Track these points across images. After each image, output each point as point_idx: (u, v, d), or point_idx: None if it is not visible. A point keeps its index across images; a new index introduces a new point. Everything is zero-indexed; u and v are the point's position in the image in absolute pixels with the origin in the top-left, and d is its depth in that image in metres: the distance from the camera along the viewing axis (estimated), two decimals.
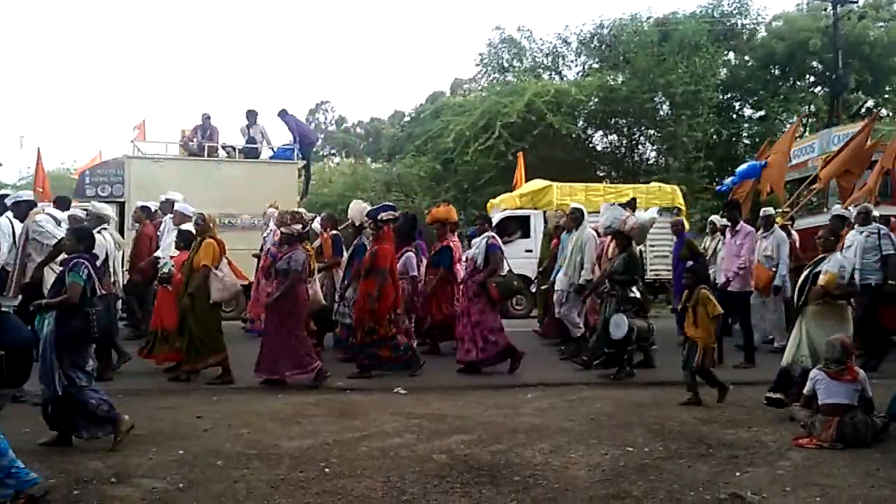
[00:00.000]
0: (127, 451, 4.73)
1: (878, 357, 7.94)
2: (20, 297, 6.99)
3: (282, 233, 7.54)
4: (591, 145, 25.06)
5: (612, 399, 6.57)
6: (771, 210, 9.51)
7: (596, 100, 23.12)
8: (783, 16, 25.62)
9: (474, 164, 21.53)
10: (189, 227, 7.54)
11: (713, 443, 5.07)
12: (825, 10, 22.92)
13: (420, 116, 29.18)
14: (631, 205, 9.37)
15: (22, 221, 7.32)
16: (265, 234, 10.17)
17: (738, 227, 8.76)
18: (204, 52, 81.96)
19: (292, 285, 7.08)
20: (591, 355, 7.85)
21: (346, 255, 8.87)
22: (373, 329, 7.44)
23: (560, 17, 75.49)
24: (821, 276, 5.76)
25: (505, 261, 8.12)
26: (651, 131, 24.13)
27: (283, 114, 13.84)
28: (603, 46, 25.61)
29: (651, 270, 13.10)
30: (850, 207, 9.29)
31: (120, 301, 8.16)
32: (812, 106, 24.80)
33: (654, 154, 24.90)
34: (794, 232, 9.99)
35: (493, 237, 8.13)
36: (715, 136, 23.25)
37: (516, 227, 13.95)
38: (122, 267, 8.48)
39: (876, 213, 8.73)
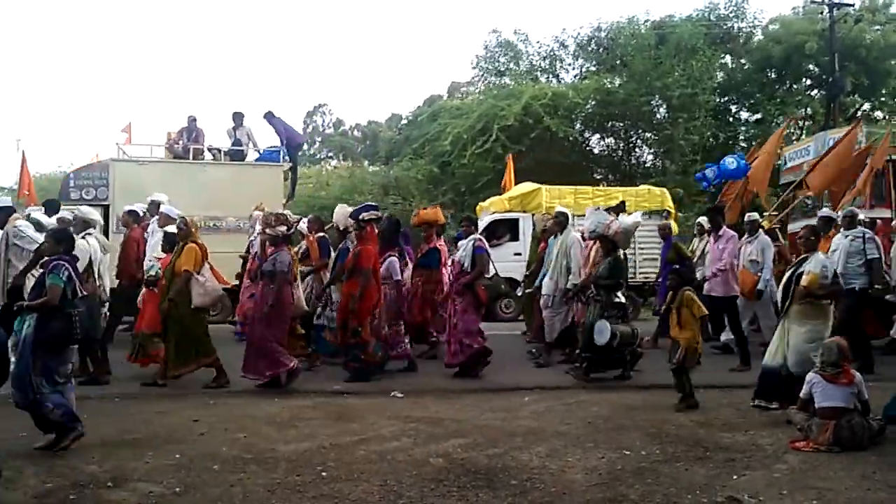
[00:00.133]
0: (123, 455, 4.72)
1: (867, 360, 7.89)
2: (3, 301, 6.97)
3: (267, 234, 7.53)
4: (588, 148, 25.14)
5: (608, 402, 6.57)
6: (755, 215, 9.54)
7: (593, 103, 23.21)
8: (779, 19, 25.74)
9: (471, 167, 21.57)
10: (174, 229, 7.51)
11: (710, 446, 5.08)
12: (821, 13, 23.02)
13: (417, 119, 29.25)
14: (620, 208, 9.34)
15: (1, 228, 7.30)
16: (251, 238, 10.02)
17: (720, 232, 8.78)
18: (204, 56, 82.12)
19: (280, 287, 7.09)
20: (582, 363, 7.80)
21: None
22: (356, 330, 7.38)
23: (557, 20, 75.79)
24: (803, 277, 5.78)
25: (491, 264, 8.08)
26: (648, 134, 24.22)
27: (269, 116, 13.66)
28: (600, 49, 25.71)
29: (640, 273, 13.10)
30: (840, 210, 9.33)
31: (107, 305, 8.05)
32: (809, 109, 24.90)
33: (651, 157, 25.02)
34: (780, 236, 10.00)
35: (480, 240, 8.10)
36: (712, 140, 23.31)
37: (505, 230, 13.93)
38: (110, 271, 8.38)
39: (862, 215, 8.75)
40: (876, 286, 8.08)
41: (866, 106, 25.23)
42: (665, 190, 14.99)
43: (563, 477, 4.39)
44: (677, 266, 7.65)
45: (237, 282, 9.97)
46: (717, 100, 24.09)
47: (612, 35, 24.81)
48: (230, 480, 4.26)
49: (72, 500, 3.93)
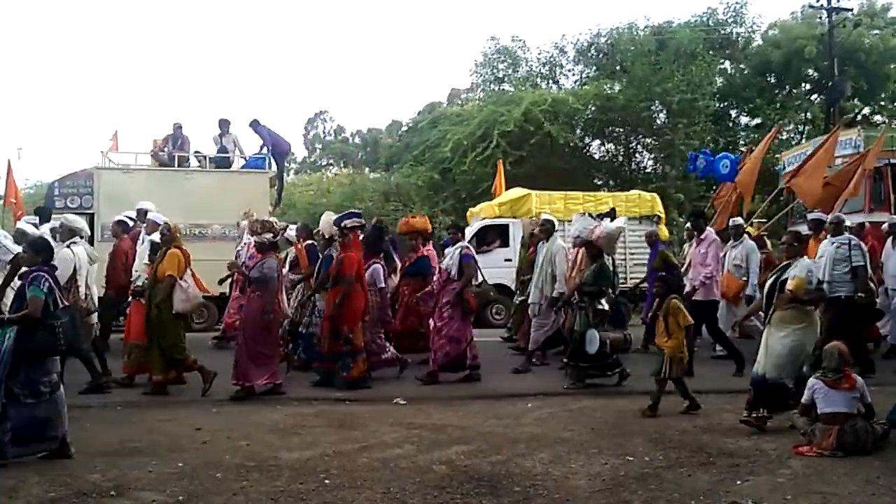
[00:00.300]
0: (126, 464, 4.71)
1: (866, 362, 7.81)
2: None
3: (254, 242, 7.52)
4: (588, 154, 25.17)
5: (612, 408, 6.57)
6: (740, 220, 9.53)
7: (593, 108, 23.24)
8: (778, 24, 25.81)
9: (472, 173, 21.58)
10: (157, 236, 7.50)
11: (713, 451, 5.07)
12: (820, 17, 23.10)
13: (418, 126, 29.26)
14: (610, 214, 9.32)
15: None
16: (238, 248, 9.99)
17: (703, 236, 8.77)
18: (205, 59, 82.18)
19: (272, 294, 7.10)
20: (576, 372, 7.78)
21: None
22: (348, 338, 7.34)
23: (557, 26, 75.92)
24: (789, 282, 5.70)
25: (479, 271, 8.09)
26: (648, 140, 24.25)
27: (254, 124, 13.52)
28: (600, 55, 25.79)
29: (631, 278, 13.08)
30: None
31: (96, 315, 7.98)
32: (808, 113, 24.92)
33: (651, 162, 25.02)
34: (768, 243, 9.97)
35: (467, 247, 8.10)
36: (712, 145, 23.23)
37: (495, 235, 13.84)
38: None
39: (849, 222, 8.71)
40: (860, 294, 7.98)
41: (866, 110, 25.26)
42: (656, 195, 14.83)
43: (566, 483, 4.39)
44: (664, 273, 7.64)
45: (223, 290, 9.92)
46: (717, 105, 24.13)
47: (612, 41, 24.89)
48: (233, 489, 4.26)
49: None
